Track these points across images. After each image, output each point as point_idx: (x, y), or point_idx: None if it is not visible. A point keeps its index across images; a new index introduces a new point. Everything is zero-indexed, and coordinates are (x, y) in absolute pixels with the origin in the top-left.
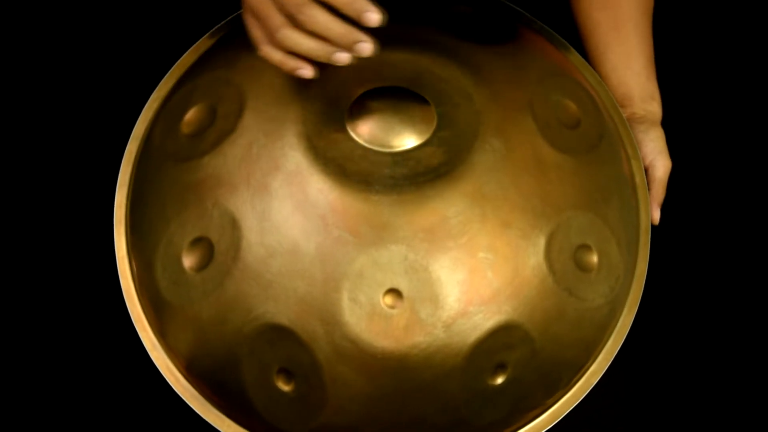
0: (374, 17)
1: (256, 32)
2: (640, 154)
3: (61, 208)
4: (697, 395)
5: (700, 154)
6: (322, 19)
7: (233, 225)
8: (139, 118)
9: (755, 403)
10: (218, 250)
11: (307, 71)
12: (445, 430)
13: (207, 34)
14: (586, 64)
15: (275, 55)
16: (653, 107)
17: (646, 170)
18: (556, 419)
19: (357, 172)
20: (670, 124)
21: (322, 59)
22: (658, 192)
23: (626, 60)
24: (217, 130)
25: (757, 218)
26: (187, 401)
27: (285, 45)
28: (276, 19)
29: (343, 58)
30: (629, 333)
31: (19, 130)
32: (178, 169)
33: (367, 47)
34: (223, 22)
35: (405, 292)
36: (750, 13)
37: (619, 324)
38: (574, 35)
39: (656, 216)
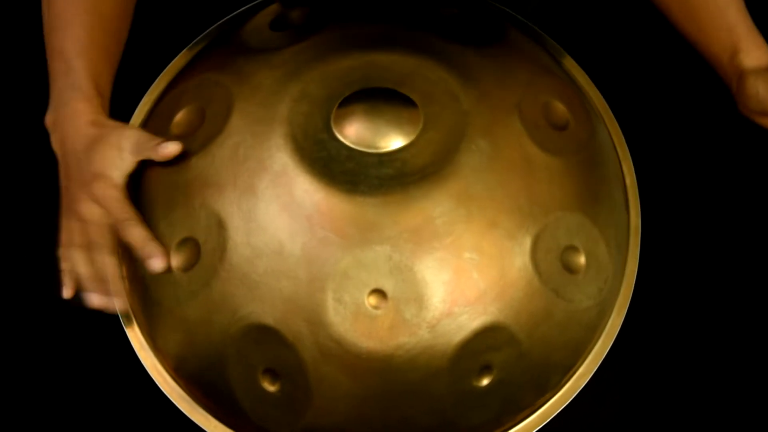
0: (157, 263)
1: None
2: None
3: (52, 208)
4: (687, 396)
5: (691, 154)
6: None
7: (220, 225)
8: (131, 120)
9: (745, 402)
10: (205, 251)
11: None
12: (433, 431)
13: (198, 38)
14: (576, 64)
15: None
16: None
17: None
18: (545, 420)
19: (343, 172)
20: (664, 123)
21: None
22: None
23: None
24: (205, 131)
25: (747, 219)
26: (174, 401)
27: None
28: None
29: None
30: (619, 334)
31: (12, 130)
32: (166, 169)
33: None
34: (213, 26)
35: (390, 293)
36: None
37: (608, 325)
38: (563, 36)
39: None
